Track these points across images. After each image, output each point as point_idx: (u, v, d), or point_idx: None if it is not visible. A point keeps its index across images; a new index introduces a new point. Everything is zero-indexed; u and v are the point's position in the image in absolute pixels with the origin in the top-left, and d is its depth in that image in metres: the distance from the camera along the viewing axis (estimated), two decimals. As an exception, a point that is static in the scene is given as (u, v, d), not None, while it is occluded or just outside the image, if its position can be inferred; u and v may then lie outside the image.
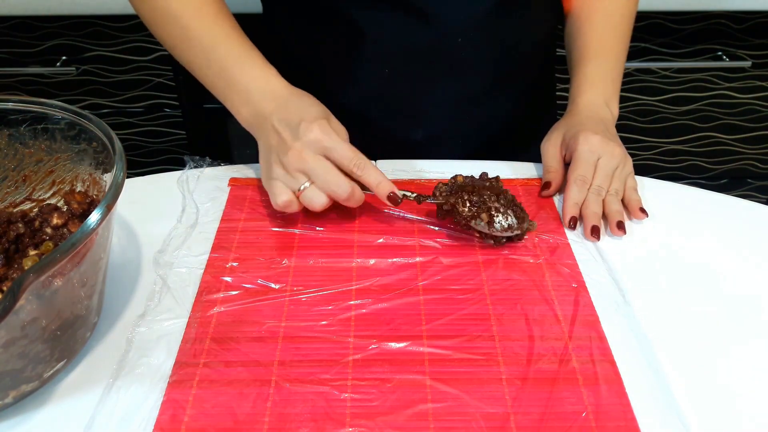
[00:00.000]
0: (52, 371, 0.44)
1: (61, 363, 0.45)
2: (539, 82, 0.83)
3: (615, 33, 0.73)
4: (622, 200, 0.63)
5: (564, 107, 0.74)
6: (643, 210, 0.62)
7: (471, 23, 0.69)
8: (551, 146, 0.67)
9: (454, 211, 0.58)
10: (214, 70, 0.62)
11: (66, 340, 0.44)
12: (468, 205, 0.57)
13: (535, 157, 0.71)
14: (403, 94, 0.74)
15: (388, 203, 0.58)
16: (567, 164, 0.66)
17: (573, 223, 0.60)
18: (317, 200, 0.57)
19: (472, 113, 0.77)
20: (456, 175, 0.61)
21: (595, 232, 0.59)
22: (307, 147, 0.56)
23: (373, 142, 0.72)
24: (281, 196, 0.57)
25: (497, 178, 0.61)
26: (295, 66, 0.76)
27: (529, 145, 0.81)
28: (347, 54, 0.72)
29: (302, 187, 0.57)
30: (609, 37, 0.73)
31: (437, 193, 0.59)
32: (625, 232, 0.60)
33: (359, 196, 0.58)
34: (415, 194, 0.59)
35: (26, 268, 0.47)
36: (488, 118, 0.78)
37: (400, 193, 0.58)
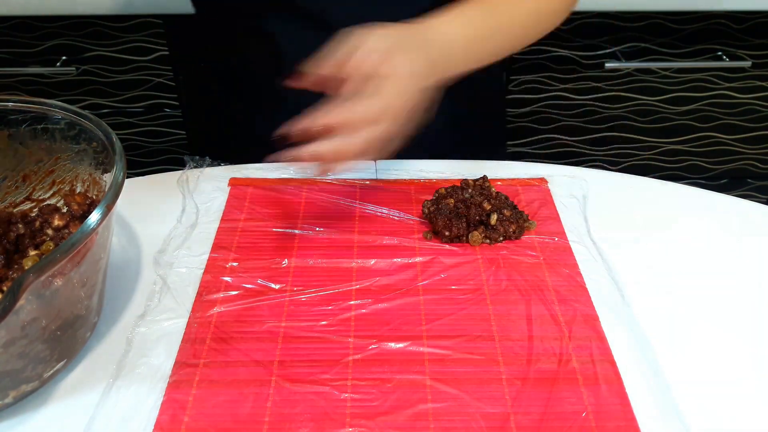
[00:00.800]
0: (52, 371, 0.44)
1: (61, 363, 0.45)
2: (477, 86, 0.79)
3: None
4: None
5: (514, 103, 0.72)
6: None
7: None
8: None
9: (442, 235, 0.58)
10: None
11: (66, 340, 0.44)
12: (453, 230, 0.58)
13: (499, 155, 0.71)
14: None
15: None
16: None
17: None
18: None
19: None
20: (439, 190, 0.61)
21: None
22: None
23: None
24: None
25: (484, 177, 0.61)
26: (227, 70, 0.76)
27: (479, 149, 0.79)
28: (274, 71, 0.67)
29: None
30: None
31: (426, 211, 0.60)
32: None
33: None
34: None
35: (26, 268, 0.47)
36: (429, 129, 0.77)
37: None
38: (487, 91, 0.84)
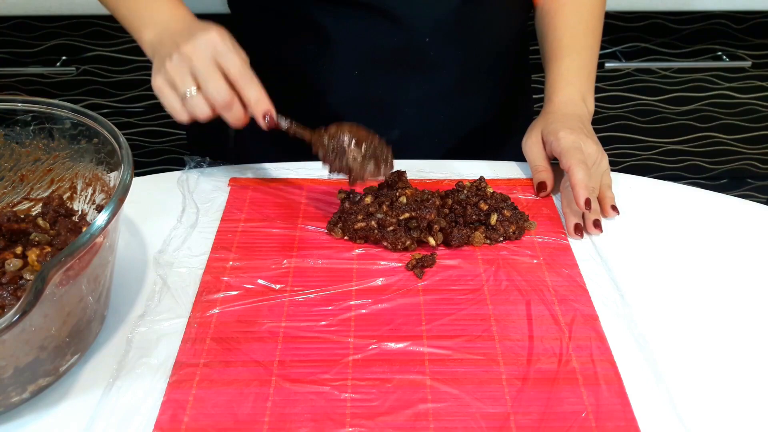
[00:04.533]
0: (67, 365, 0.44)
1: (76, 357, 0.45)
2: (512, 79, 0.83)
3: (586, 27, 0.72)
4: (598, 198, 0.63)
5: (539, 102, 0.74)
6: (614, 207, 0.62)
7: (437, 22, 0.69)
8: (534, 145, 0.67)
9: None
10: (129, 7, 0.62)
11: (81, 333, 0.45)
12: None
13: (512, 154, 0.71)
14: (375, 95, 0.74)
15: (262, 124, 0.57)
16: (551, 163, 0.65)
17: (588, 205, 0.58)
18: (201, 109, 0.56)
19: (445, 111, 0.76)
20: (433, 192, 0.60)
21: (578, 230, 0.59)
22: (200, 47, 0.55)
23: None
24: (168, 101, 0.56)
25: (481, 178, 0.61)
26: (265, 70, 0.76)
27: (505, 142, 0.80)
28: (316, 59, 0.72)
29: (188, 93, 0.55)
30: (580, 32, 0.72)
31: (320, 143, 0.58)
32: (601, 231, 0.59)
33: (238, 110, 0.57)
34: (289, 122, 0.58)
35: (30, 260, 0.47)
36: (462, 116, 0.78)
37: (277, 116, 0.57)
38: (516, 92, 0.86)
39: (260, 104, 0.56)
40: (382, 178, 0.58)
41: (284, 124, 0.58)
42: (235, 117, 0.57)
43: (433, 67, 0.72)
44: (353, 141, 0.56)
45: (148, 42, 0.61)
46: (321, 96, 0.74)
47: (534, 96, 0.91)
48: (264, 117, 0.57)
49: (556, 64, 0.72)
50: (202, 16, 0.64)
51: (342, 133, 0.57)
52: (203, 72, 0.55)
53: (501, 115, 0.82)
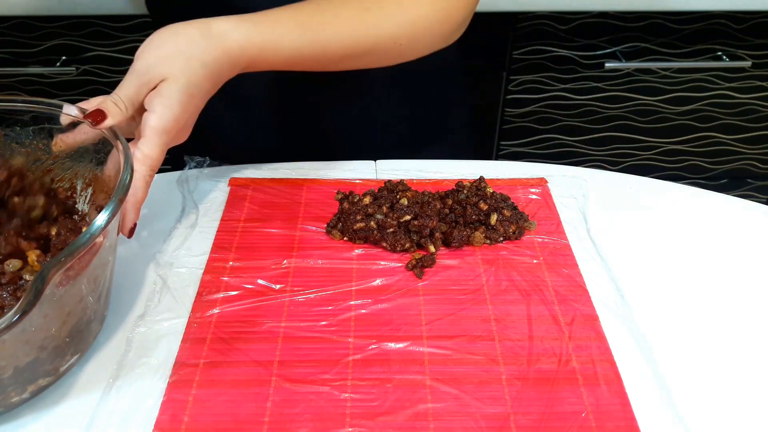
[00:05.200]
0: (67, 365, 0.44)
1: (76, 357, 0.45)
2: (438, 74, 0.82)
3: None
4: None
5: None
6: None
7: None
8: None
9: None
10: None
11: (81, 333, 0.45)
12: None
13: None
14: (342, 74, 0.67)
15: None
16: None
17: None
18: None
19: (376, 115, 0.76)
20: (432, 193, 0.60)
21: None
22: None
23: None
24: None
25: (481, 178, 0.61)
26: None
27: (440, 138, 0.80)
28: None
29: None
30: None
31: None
32: None
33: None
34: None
35: (30, 260, 0.47)
36: (391, 117, 0.78)
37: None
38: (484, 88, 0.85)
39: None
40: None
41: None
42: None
43: (352, 76, 0.68)
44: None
45: None
46: (280, 102, 0.74)
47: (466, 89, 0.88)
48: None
49: None
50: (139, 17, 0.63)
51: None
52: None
53: (432, 113, 0.81)
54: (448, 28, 0.64)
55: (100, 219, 0.41)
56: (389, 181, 0.61)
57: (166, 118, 0.51)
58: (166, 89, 0.52)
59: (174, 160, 0.76)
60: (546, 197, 0.65)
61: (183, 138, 0.56)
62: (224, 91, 0.58)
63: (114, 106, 0.51)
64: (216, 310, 0.51)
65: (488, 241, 0.58)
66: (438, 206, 0.58)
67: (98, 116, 0.50)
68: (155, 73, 0.53)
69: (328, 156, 0.71)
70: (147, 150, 0.51)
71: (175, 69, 0.53)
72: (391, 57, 0.63)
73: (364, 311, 0.51)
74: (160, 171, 0.68)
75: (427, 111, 0.78)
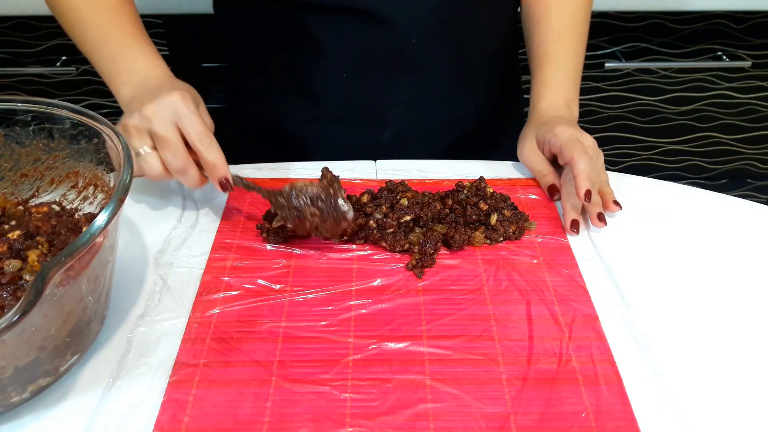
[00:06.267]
0: (67, 365, 0.44)
1: (75, 357, 0.45)
2: (504, 79, 0.83)
3: (572, 31, 0.72)
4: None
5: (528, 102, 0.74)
6: (617, 203, 0.61)
7: (423, 23, 0.69)
8: (531, 151, 0.67)
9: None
10: (105, 58, 0.63)
11: (81, 333, 0.45)
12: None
13: (506, 155, 0.71)
14: (365, 97, 0.74)
15: (218, 188, 0.57)
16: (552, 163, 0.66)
17: (588, 196, 0.58)
18: (151, 167, 0.56)
19: (437, 112, 0.76)
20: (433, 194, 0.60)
21: (575, 226, 0.59)
22: (161, 108, 0.56)
23: (341, 146, 0.72)
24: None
25: (481, 178, 0.61)
26: (255, 76, 0.76)
27: (498, 143, 0.80)
28: (306, 64, 0.72)
29: (142, 151, 0.56)
30: (566, 36, 0.72)
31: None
32: (606, 224, 0.59)
33: (194, 175, 0.57)
34: (247, 182, 0.58)
35: (30, 260, 0.47)
36: (454, 117, 0.78)
37: (233, 180, 0.57)
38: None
39: (217, 170, 0.57)
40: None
41: (241, 185, 0.58)
42: (190, 181, 0.57)
43: (422, 68, 0.72)
44: (309, 200, 0.55)
45: (123, 97, 0.62)
46: (312, 99, 0.74)
47: (525, 96, 0.91)
48: (220, 182, 0.57)
49: (542, 71, 0.71)
50: (172, 17, 0.64)
51: (297, 193, 0.55)
52: (160, 134, 0.55)
53: (493, 115, 0.81)
54: None
55: (100, 219, 0.41)
56: (390, 181, 0.61)
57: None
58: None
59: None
60: (546, 197, 0.65)
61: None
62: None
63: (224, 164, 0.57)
64: (216, 310, 0.51)
65: (488, 241, 0.58)
66: (438, 207, 0.58)
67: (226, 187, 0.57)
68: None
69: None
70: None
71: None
72: None
73: (364, 311, 0.51)
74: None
75: (421, 112, 0.78)
